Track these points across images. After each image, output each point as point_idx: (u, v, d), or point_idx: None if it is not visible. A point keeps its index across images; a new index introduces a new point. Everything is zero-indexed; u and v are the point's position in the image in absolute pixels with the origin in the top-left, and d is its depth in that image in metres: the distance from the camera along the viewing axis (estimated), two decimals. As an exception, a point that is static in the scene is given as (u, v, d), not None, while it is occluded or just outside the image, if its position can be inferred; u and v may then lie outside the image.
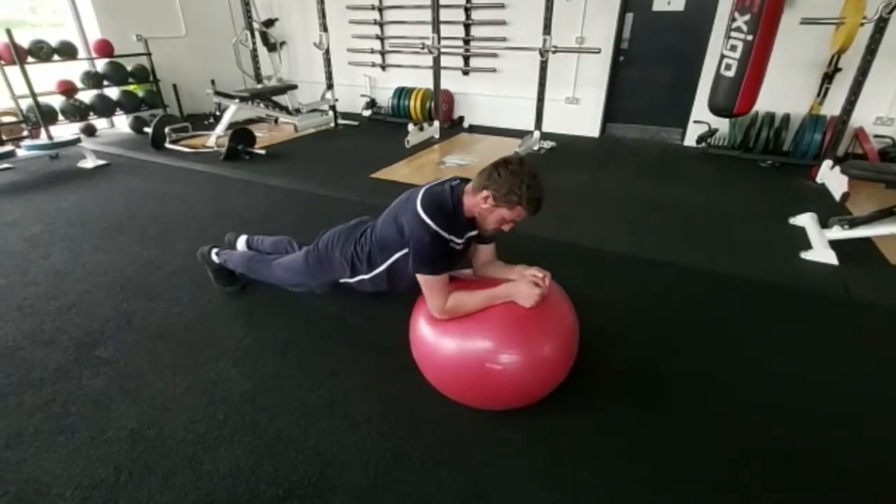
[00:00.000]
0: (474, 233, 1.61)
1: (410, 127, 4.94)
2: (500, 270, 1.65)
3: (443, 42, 4.96)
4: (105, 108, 5.34)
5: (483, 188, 1.45)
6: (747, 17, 2.69)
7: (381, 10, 5.96)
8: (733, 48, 2.79)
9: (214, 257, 2.26)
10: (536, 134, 4.89)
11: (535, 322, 1.47)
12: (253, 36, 5.72)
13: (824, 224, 2.85)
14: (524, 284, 1.47)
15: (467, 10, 5.50)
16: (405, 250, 1.58)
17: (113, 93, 5.43)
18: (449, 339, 1.48)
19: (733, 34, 2.78)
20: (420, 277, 1.50)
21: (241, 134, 4.55)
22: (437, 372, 1.58)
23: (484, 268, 1.72)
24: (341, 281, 1.85)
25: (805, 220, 2.99)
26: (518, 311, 1.46)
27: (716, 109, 3.03)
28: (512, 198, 1.42)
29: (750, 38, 2.71)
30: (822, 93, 4.27)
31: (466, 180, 1.58)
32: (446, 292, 1.48)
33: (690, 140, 4.97)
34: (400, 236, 1.57)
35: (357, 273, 1.78)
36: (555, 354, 1.49)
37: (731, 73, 2.84)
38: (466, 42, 5.71)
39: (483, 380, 1.43)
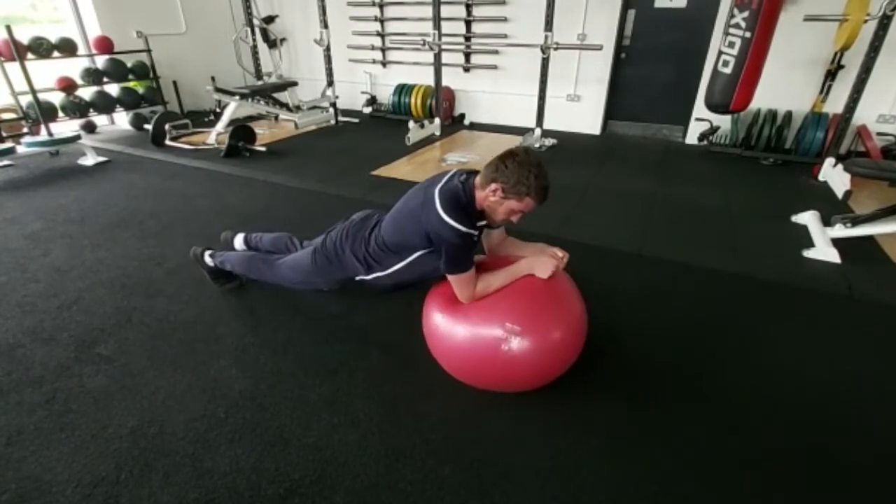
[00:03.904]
0: (484, 223, 1.64)
1: (411, 124, 4.93)
2: (515, 247, 1.75)
3: (444, 39, 4.93)
4: (105, 104, 5.33)
5: (491, 181, 1.48)
6: (746, 14, 2.68)
7: (381, 6, 5.93)
8: (731, 45, 2.78)
9: (208, 260, 2.21)
10: (538, 131, 4.88)
11: (546, 306, 1.54)
12: (253, 32, 5.70)
13: (826, 222, 2.84)
14: (545, 256, 1.56)
15: (468, 6, 5.47)
16: (426, 250, 1.63)
17: (113, 89, 5.42)
18: (463, 325, 1.54)
19: (731, 31, 2.77)
20: (452, 277, 1.54)
21: (242, 131, 4.54)
22: (451, 356, 1.63)
23: (498, 248, 1.79)
24: (357, 279, 1.85)
25: (807, 218, 2.98)
26: (530, 295, 1.52)
27: (712, 106, 3.03)
28: (521, 188, 1.45)
29: (748, 35, 2.69)
30: (825, 90, 4.25)
31: (473, 173, 1.60)
32: (475, 281, 1.53)
33: (692, 138, 4.96)
34: (426, 242, 1.59)
35: (373, 271, 1.79)
36: (564, 338, 1.55)
37: (728, 70, 2.84)
38: (467, 39, 5.68)
39: (496, 362, 1.49)
